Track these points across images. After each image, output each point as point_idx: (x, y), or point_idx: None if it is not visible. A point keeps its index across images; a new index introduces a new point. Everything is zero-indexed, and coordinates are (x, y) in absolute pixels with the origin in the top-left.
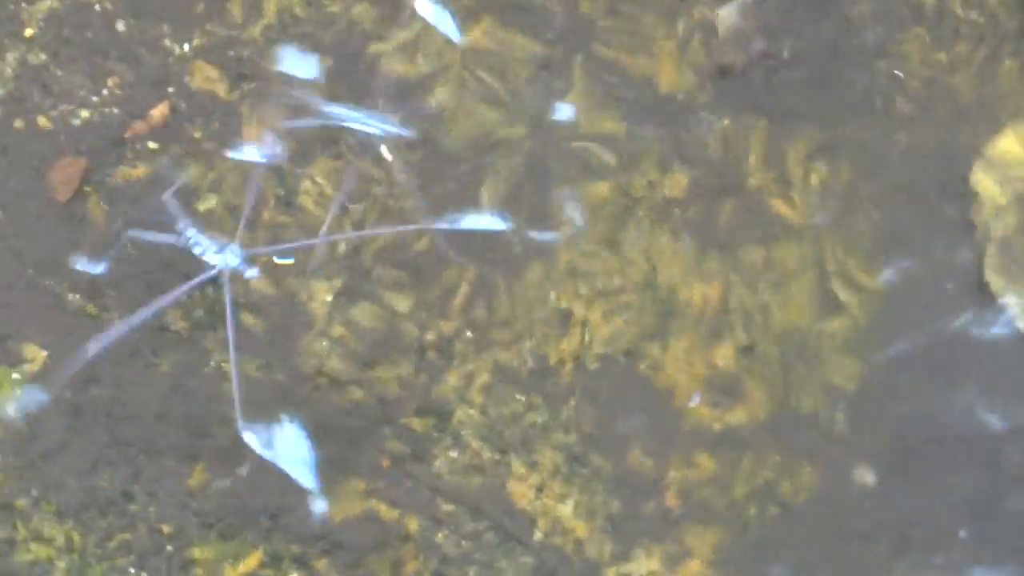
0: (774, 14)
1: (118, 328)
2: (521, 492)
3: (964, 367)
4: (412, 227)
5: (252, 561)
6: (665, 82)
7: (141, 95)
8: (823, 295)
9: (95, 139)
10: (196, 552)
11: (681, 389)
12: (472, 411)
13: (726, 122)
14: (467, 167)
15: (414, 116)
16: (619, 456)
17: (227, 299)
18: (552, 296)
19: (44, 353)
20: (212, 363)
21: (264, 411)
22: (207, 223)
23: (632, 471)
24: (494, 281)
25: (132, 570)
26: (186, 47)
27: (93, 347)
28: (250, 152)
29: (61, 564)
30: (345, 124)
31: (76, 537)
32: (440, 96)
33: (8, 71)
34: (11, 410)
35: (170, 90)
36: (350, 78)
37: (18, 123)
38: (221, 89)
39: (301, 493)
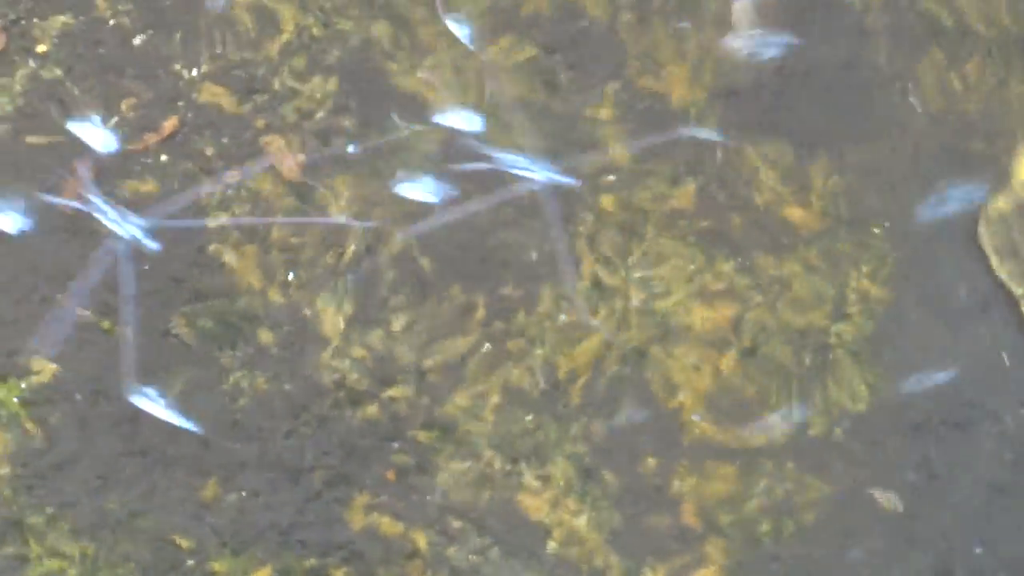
0: (788, 23)
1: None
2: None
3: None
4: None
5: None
6: (676, 98)
7: (155, 111)
8: (836, 307)
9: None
10: (214, 566)
11: (688, 402)
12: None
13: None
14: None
15: None
16: (629, 469)
17: (126, 268)
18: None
19: (53, 366)
20: (226, 377)
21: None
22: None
23: (642, 484)
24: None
25: None
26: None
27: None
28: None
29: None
30: (508, 169)
31: (88, 551)
32: None
33: (17, 87)
34: None
35: (180, 104)
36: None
37: (30, 138)
38: (229, 103)
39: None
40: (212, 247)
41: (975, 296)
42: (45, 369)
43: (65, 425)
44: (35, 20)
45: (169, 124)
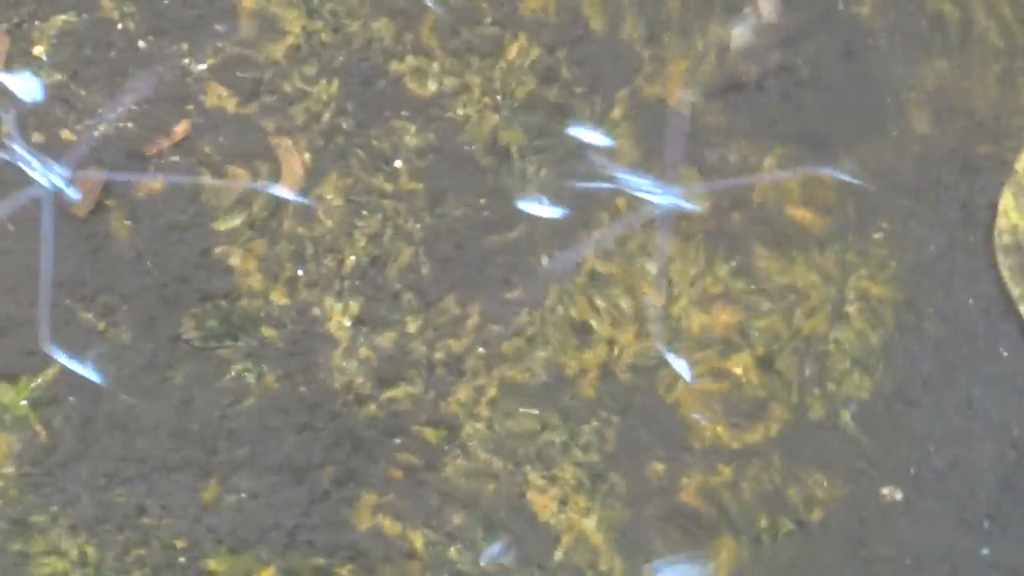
0: (790, 28)
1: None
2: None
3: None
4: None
5: None
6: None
7: (161, 111)
8: (838, 309)
9: (115, 153)
10: (211, 564)
11: (695, 405)
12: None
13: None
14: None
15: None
16: (636, 471)
17: (47, 219)
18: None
19: (55, 367)
20: (227, 376)
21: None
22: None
23: (649, 485)
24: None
25: None
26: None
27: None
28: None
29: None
30: (634, 191)
31: (91, 551)
32: None
33: None
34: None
35: (189, 107)
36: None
37: (36, 137)
38: (232, 104)
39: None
40: (219, 249)
41: (981, 301)
42: (48, 370)
43: (68, 425)
44: (36, 22)
45: (181, 128)
